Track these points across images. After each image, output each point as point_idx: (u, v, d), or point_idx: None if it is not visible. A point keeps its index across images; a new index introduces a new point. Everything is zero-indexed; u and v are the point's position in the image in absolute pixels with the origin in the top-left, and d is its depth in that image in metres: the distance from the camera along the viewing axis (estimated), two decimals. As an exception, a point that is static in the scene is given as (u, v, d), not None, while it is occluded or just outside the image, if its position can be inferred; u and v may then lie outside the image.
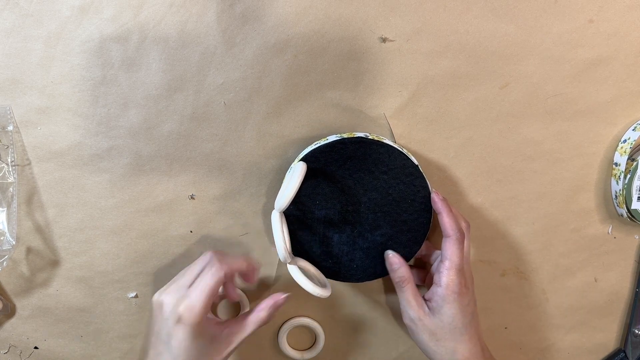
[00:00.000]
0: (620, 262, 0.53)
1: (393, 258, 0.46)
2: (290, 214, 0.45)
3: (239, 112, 0.47)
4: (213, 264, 0.41)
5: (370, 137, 0.45)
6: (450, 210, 0.44)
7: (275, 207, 0.43)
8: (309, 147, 0.46)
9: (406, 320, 0.45)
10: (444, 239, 0.44)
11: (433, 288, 0.44)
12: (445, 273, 0.43)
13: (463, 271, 0.43)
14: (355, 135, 0.45)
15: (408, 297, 0.45)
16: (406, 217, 0.46)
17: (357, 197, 0.46)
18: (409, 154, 0.46)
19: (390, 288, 0.53)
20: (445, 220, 0.44)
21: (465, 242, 0.45)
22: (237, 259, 0.43)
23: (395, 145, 0.45)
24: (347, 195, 0.45)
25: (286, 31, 0.45)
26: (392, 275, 0.46)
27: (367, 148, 0.44)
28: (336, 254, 0.47)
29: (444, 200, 0.45)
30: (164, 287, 0.42)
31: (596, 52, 0.47)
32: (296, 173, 0.42)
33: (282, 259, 0.43)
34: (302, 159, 0.45)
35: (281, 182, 0.48)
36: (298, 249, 0.47)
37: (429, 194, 0.46)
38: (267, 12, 0.44)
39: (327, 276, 0.47)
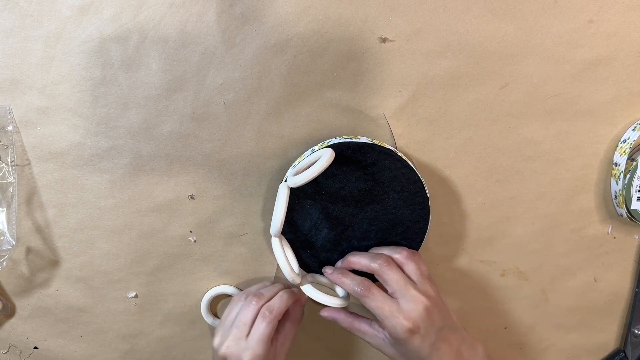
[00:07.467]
0: (620, 262, 0.53)
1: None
2: (299, 190, 0.45)
3: (239, 112, 0.47)
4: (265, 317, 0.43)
5: (398, 154, 0.45)
6: (342, 273, 0.44)
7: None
8: (336, 138, 0.46)
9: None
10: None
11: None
12: (384, 324, 0.42)
13: (396, 315, 0.41)
14: (385, 146, 0.45)
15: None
16: (396, 240, 0.47)
17: (363, 202, 0.46)
18: (425, 184, 0.46)
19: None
20: (345, 286, 0.43)
21: (410, 266, 0.43)
22: (281, 300, 0.45)
23: (417, 172, 0.45)
24: (354, 197, 0.45)
25: (286, 31, 0.45)
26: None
27: (392, 163, 0.44)
28: (320, 247, 0.47)
29: (333, 270, 0.45)
30: (221, 337, 0.44)
31: (596, 52, 0.47)
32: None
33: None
34: (331, 147, 0.44)
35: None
36: (291, 228, 0.47)
37: (426, 228, 0.46)
38: (267, 12, 0.44)
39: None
